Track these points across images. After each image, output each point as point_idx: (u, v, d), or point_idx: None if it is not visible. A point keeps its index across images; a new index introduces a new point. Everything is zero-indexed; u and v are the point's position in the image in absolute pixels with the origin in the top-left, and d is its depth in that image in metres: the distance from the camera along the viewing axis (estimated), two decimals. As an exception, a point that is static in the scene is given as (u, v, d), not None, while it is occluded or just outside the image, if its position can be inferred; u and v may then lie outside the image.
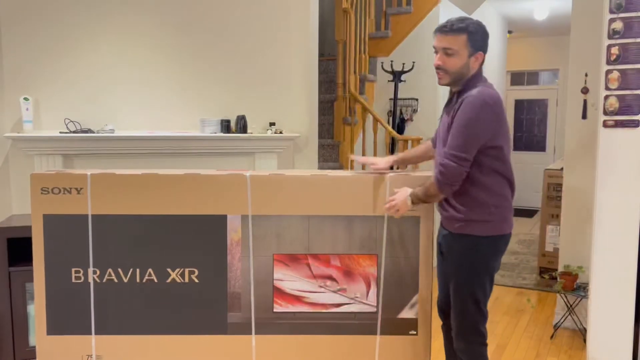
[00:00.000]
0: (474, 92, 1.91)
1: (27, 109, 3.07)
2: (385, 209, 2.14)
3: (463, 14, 5.57)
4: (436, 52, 1.97)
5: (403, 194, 2.07)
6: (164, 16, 3.35)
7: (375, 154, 4.53)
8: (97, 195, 2.22)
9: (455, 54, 1.93)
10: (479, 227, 1.96)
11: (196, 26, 3.41)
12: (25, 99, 3.07)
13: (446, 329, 2.25)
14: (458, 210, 1.98)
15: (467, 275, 1.97)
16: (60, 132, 3.10)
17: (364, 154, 4.62)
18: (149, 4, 3.32)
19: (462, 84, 1.98)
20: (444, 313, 2.25)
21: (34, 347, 2.51)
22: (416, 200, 2.04)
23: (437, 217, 2.17)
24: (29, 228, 2.26)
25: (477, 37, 1.95)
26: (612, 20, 2.34)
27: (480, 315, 2.01)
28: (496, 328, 3.56)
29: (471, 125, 1.87)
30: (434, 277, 2.30)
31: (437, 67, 1.96)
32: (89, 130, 3.14)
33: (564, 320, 3.49)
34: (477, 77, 1.99)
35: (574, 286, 3.34)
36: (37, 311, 2.26)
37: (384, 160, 2.29)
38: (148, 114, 3.36)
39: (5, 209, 3.15)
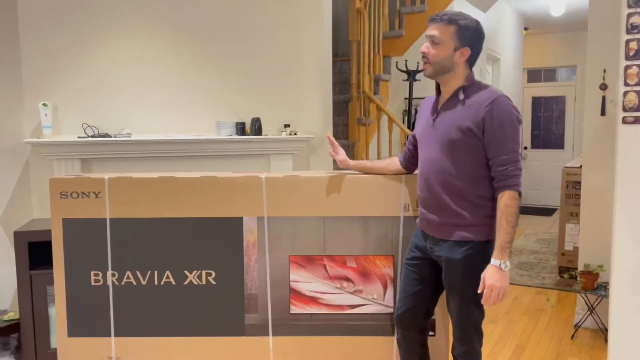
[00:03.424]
0: (496, 93, 1.89)
1: (45, 115, 3.12)
2: (490, 304, 1.87)
3: (478, 12, 5.53)
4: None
5: (495, 273, 1.84)
6: (179, 20, 3.38)
7: (390, 154, 4.52)
8: (115, 199, 2.25)
9: (440, 44, 1.89)
10: (481, 232, 1.92)
11: (211, 29, 3.44)
12: (44, 104, 3.12)
13: (407, 342, 2.15)
14: (459, 216, 1.92)
15: (472, 281, 1.91)
16: (79, 137, 3.14)
17: (379, 154, 4.61)
18: (165, 8, 3.35)
19: (463, 79, 1.93)
20: (404, 325, 2.12)
21: (55, 349, 2.55)
22: (508, 251, 1.85)
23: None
24: (49, 232, 2.30)
25: (466, 32, 1.90)
26: (630, 15, 2.30)
27: (481, 316, 2.00)
28: (515, 328, 3.53)
29: (516, 127, 1.87)
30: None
31: (422, 55, 1.94)
32: (106, 135, 3.18)
33: (585, 320, 3.44)
34: (472, 76, 1.96)
35: (595, 285, 3.29)
36: (57, 314, 2.29)
37: (342, 157, 2.32)
38: (164, 117, 3.39)
39: (27, 214, 3.21)
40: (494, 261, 1.85)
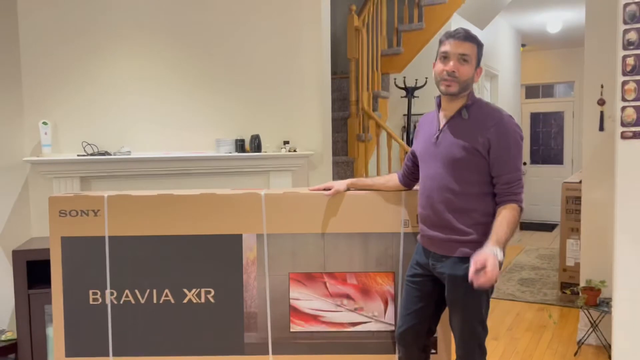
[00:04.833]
0: (500, 112, 1.90)
1: (45, 133, 3.12)
2: (476, 283, 1.77)
3: (475, 29, 5.58)
4: (446, 58, 1.90)
5: (489, 257, 1.76)
6: (179, 38, 3.41)
7: (389, 170, 4.52)
8: (114, 217, 2.24)
9: (469, 62, 1.89)
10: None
11: (210, 47, 3.46)
12: (44, 123, 3.13)
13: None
14: (462, 233, 1.91)
15: (475, 298, 1.91)
16: (78, 155, 3.15)
17: (378, 171, 4.61)
18: (165, 26, 3.38)
19: (466, 96, 1.94)
20: (406, 343, 2.11)
21: (53, 369, 2.52)
22: (503, 248, 1.81)
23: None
24: (47, 251, 2.28)
25: (481, 51, 1.95)
26: (626, 31, 2.32)
27: (484, 333, 1.98)
28: (518, 345, 3.49)
29: (520, 146, 1.89)
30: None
31: (450, 74, 1.88)
32: (105, 153, 3.18)
33: (588, 336, 3.41)
34: (473, 94, 1.97)
35: (597, 301, 3.27)
36: (55, 333, 2.27)
37: (342, 183, 2.27)
38: (164, 135, 3.40)
39: (25, 232, 3.20)
40: (489, 247, 1.78)
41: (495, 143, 1.86)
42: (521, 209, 1.87)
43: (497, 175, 1.88)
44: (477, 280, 1.77)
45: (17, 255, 2.70)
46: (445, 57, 1.91)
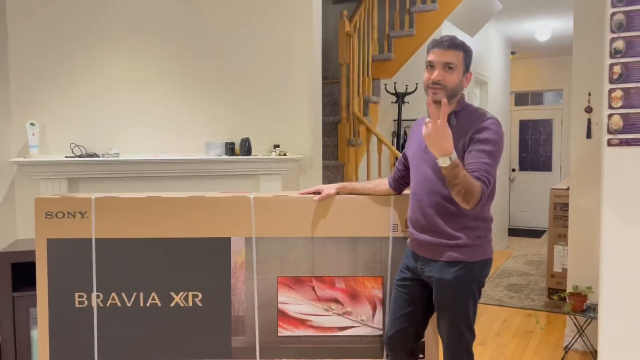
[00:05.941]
0: (487, 115, 1.91)
1: (32, 134, 3.10)
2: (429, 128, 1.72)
3: (465, 36, 5.62)
4: (432, 67, 1.91)
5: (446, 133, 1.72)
6: (169, 41, 3.40)
7: (379, 175, 4.53)
8: (101, 219, 2.22)
9: (455, 69, 1.90)
10: (472, 253, 1.91)
11: (201, 50, 3.46)
12: (32, 124, 3.10)
13: None
14: (451, 237, 1.91)
15: (463, 302, 1.91)
16: (66, 157, 3.12)
17: (368, 175, 4.62)
18: (155, 28, 3.37)
19: (455, 103, 1.95)
20: (394, 348, 2.11)
21: (37, 373, 2.49)
22: (453, 164, 1.72)
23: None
24: (33, 252, 2.26)
25: (470, 57, 1.95)
26: (613, 40, 2.35)
27: (472, 338, 1.98)
28: (505, 350, 3.50)
29: (498, 150, 1.85)
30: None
31: (436, 83, 1.88)
32: (94, 155, 3.16)
33: (574, 342, 3.42)
34: (463, 99, 1.97)
35: (584, 307, 3.29)
36: (40, 336, 2.24)
37: (332, 187, 2.26)
38: (153, 137, 3.38)
39: (11, 234, 3.16)
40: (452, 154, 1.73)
41: (474, 138, 1.85)
42: (482, 192, 1.77)
43: (467, 163, 1.83)
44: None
45: (1, 257, 2.67)
46: (431, 66, 1.92)
